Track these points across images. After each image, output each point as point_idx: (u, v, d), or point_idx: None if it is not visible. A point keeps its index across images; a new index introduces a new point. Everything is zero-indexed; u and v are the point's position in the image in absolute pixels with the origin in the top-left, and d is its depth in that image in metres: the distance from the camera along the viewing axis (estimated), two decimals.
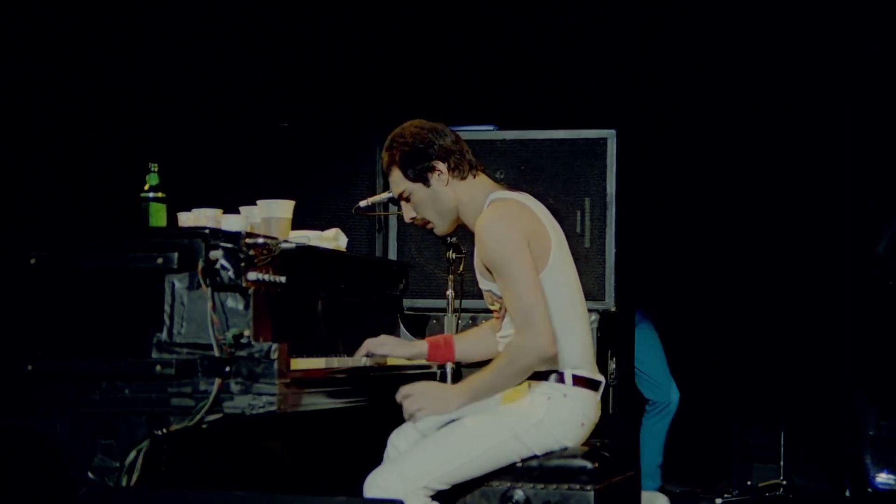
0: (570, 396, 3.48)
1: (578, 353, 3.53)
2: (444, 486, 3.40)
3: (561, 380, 3.48)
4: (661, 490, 5.99)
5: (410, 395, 3.45)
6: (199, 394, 3.06)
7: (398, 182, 3.59)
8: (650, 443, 5.97)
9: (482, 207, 3.56)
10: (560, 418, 3.47)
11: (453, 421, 3.52)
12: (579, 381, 3.50)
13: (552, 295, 3.48)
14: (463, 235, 4.86)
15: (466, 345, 3.84)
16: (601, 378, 3.59)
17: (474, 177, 3.60)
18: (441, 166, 3.54)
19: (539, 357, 3.40)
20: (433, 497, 3.38)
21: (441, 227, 3.63)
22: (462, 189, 3.57)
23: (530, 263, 3.41)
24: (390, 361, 3.80)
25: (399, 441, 3.67)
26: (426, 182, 3.55)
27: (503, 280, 3.43)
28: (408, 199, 3.61)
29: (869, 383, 6.09)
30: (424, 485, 3.34)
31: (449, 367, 3.96)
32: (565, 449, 3.48)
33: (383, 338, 3.73)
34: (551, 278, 3.48)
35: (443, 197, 3.57)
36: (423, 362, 3.90)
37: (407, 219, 3.66)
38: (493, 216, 3.48)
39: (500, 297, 3.52)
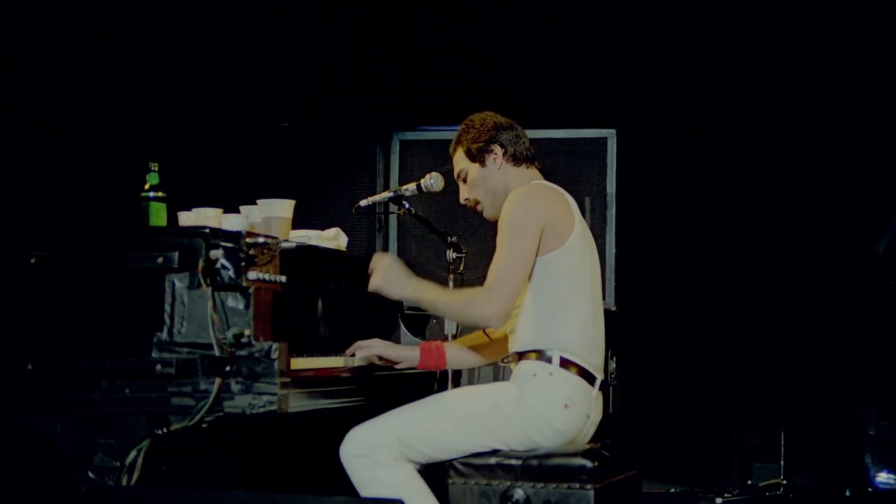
0: (556, 376, 3.51)
1: (573, 339, 3.55)
2: (423, 448, 3.43)
3: (548, 360, 3.52)
4: None
5: (378, 269, 3.62)
6: (199, 393, 3.06)
7: (459, 161, 3.81)
8: None
9: None
10: (542, 395, 3.49)
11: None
12: (567, 364, 3.52)
13: (554, 275, 3.54)
14: (463, 235, 4.87)
15: (458, 352, 3.86)
16: (597, 374, 3.59)
17: (528, 168, 3.78)
18: (497, 150, 3.75)
19: (483, 320, 3.54)
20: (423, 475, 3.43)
21: (490, 208, 3.78)
22: (513, 174, 3.75)
23: (531, 243, 3.53)
24: None
25: None
26: (482, 162, 3.75)
27: (500, 243, 3.55)
28: (465, 180, 3.80)
29: (869, 383, 6.09)
30: (398, 437, 3.41)
31: (449, 372, 3.97)
32: (559, 433, 3.47)
33: (374, 341, 3.72)
34: (560, 260, 3.55)
35: (494, 178, 3.75)
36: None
37: (462, 199, 3.83)
38: (525, 190, 3.65)
39: None
